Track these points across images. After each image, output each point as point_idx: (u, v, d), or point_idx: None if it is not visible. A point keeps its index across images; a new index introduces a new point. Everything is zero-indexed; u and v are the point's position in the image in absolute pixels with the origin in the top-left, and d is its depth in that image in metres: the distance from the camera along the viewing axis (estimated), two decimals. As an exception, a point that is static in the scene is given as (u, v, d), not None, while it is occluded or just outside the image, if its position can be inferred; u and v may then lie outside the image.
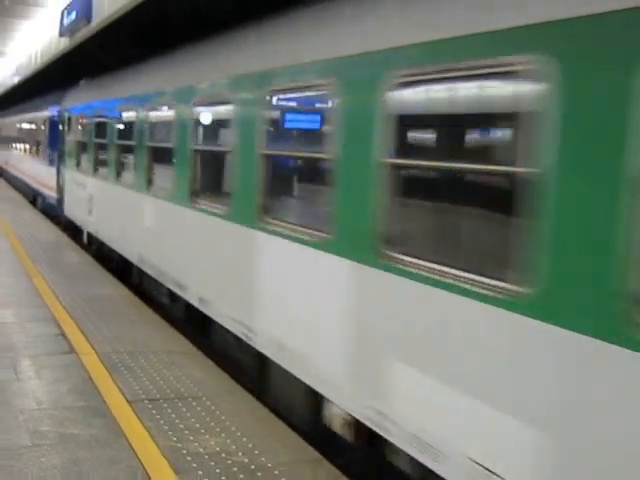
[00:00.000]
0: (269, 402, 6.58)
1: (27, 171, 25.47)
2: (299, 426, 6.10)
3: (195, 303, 8.10)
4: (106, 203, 12.92)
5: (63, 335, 8.07)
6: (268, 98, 6.44)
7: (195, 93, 8.22)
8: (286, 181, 6.97)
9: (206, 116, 8.21)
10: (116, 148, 11.91)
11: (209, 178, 8.52)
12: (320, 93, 5.79)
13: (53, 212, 19.62)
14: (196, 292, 8.09)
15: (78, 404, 6.07)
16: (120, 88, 12.32)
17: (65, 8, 18.07)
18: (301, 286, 5.79)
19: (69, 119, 16.81)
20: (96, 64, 16.24)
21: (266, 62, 6.54)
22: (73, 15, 17.18)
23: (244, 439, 5.54)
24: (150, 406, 6.12)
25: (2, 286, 10.45)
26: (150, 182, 10.10)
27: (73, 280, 11.24)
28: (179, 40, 9.94)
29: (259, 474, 4.98)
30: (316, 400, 5.68)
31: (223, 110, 7.69)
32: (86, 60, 17.71)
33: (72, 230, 16.57)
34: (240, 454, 5.28)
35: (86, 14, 15.77)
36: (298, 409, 6.20)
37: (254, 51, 6.99)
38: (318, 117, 6.14)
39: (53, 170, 19.14)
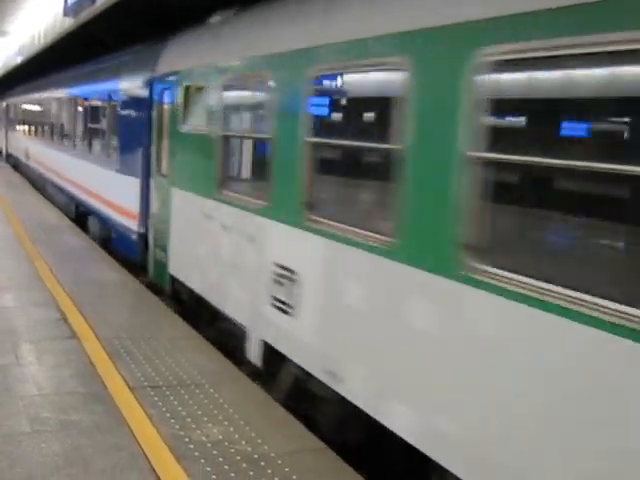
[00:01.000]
0: None
1: (67, 173, 17.85)
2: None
3: None
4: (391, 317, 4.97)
5: (65, 320, 8.01)
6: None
7: None
8: None
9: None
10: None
11: None
12: None
13: (123, 250, 12.31)
14: None
15: (79, 390, 6.01)
16: None
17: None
18: None
19: (187, 91, 8.94)
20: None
21: None
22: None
23: (247, 428, 5.48)
24: (152, 393, 6.06)
25: (3, 270, 10.39)
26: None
27: (75, 264, 11.18)
28: (190, 17, 9.68)
29: (262, 463, 4.92)
30: None
31: None
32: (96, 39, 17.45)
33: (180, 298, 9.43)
34: (243, 443, 5.23)
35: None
36: None
37: None
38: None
39: (127, 181, 11.84)
